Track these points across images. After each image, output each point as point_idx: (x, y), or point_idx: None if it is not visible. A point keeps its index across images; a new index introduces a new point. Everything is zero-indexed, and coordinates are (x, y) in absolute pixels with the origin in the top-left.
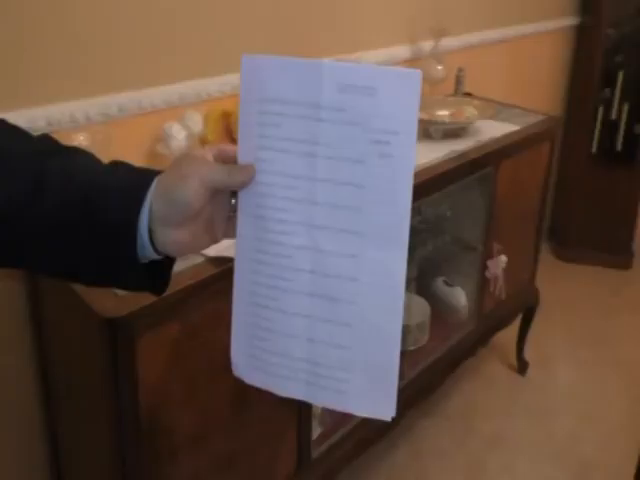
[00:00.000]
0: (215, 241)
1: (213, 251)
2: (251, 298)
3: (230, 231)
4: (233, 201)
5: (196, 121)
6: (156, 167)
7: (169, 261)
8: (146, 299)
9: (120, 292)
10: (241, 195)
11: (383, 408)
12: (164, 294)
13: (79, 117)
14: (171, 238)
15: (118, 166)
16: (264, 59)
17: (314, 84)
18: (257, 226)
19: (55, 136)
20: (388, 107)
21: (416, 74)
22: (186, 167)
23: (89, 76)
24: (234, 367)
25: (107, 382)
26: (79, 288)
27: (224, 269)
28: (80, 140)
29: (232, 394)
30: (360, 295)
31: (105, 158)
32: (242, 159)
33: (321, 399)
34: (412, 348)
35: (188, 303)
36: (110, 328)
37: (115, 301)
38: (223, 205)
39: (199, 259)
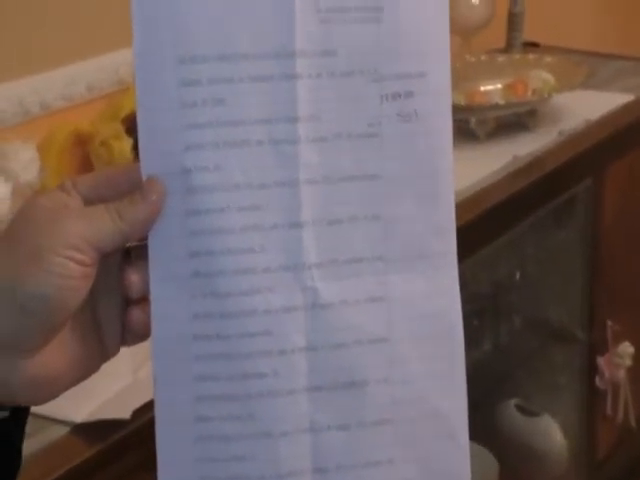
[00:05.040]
0: (106, 357)
1: (85, 412)
2: (197, 429)
3: (135, 327)
4: (133, 276)
5: (26, 159)
6: None
7: (17, 421)
8: None
9: None
10: (153, 243)
11: None
12: None
13: None
14: (24, 373)
15: None
16: None
17: (279, 16)
18: (194, 293)
19: None
20: (404, 35)
21: None
22: (36, 233)
23: None
24: None
25: None
26: None
27: (110, 445)
28: None
29: None
30: (397, 364)
31: None
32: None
33: None
34: None
35: None
36: None
37: None
38: (112, 283)
39: (58, 430)
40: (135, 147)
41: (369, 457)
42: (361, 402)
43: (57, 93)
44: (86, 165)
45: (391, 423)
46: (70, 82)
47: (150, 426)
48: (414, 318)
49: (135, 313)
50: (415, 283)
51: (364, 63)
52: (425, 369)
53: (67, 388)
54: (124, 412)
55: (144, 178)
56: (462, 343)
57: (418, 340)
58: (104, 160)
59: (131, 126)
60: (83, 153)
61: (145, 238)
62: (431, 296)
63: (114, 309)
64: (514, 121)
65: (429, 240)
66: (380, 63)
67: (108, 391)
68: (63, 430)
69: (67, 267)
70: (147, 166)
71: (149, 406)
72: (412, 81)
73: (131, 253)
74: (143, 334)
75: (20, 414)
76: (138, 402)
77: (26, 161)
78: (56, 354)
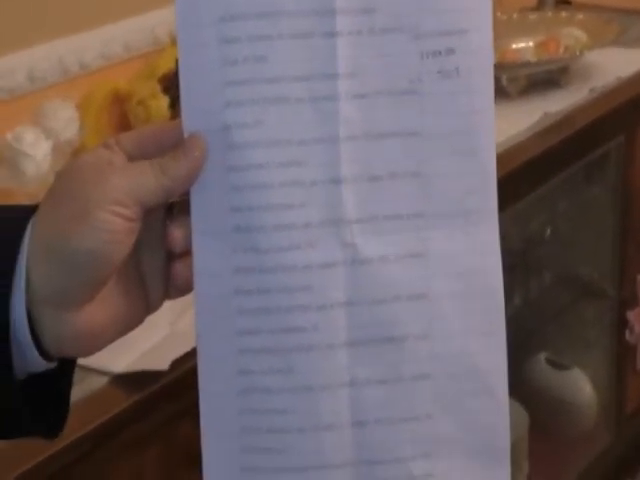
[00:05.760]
0: (149, 310)
1: (124, 363)
2: (239, 382)
3: (178, 282)
4: (176, 231)
5: (66, 118)
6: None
7: (65, 372)
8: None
9: None
10: (195, 198)
11: None
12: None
13: None
14: (72, 326)
15: None
16: None
17: None
18: (235, 247)
19: None
20: None
21: None
22: (81, 190)
23: None
24: None
25: None
26: None
27: (148, 395)
28: None
29: None
30: (437, 320)
31: None
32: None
33: None
34: None
35: (77, 470)
36: None
37: None
38: (155, 238)
39: (97, 381)
40: (171, 106)
41: (407, 412)
42: (400, 357)
43: (95, 52)
44: (124, 123)
45: (430, 378)
46: (108, 42)
47: (188, 377)
48: (454, 275)
49: (178, 267)
50: (455, 240)
51: (404, 20)
52: (465, 325)
53: (112, 341)
54: (162, 363)
55: (186, 135)
56: (502, 300)
57: (458, 296)
58: (141, 119)
59: (167, 85)
60: (121, 112)
61: (187, 193)
62: (471, 253)
63: (157, 264)
64: (546, 78)
65: (469, 197)
66: (420, 20)
67: (146, 342)
68: (102, 381)
69: (112, 222)
70: (189, 123)
71: (187, 357)
72: (453, 38)
73: (174, 208)
74: (186, 288)
75: (67, 366)
76: (176, 353)
77: (66, 119)
78: (101, 308)
